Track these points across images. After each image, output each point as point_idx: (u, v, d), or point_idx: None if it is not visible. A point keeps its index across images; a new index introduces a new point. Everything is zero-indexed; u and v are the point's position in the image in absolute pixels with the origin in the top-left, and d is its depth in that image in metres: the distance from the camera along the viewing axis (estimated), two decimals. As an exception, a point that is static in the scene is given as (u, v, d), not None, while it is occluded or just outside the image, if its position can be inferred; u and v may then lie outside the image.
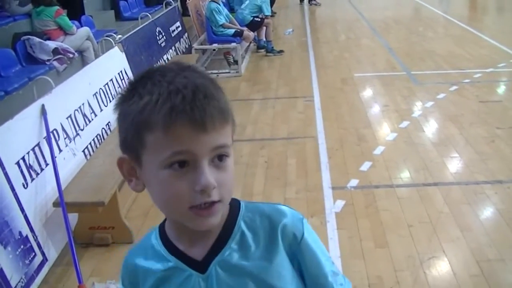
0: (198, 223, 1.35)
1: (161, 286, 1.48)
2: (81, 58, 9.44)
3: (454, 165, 6.55)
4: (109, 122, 6.68)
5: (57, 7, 9.47)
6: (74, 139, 5.80)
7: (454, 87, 9.43)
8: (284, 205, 1.56)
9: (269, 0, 13.30)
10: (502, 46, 12.47)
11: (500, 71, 10.54)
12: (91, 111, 6.40)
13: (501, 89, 9.77)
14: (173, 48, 10.99)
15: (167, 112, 1.27)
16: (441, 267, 4.62)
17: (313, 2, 21.33)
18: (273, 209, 1.53)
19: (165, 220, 1.52)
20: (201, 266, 1.44)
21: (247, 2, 12.84)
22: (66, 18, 9.59)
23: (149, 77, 1.35)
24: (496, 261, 4.64)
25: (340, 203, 5.67)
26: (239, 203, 1.51)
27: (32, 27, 9.59)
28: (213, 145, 1.31)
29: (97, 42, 9.98)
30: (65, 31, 9.47)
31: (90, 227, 5.14)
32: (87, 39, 9.73)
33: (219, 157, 1.34)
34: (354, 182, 6.13)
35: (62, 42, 9.14)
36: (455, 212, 5.42)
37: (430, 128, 7.78)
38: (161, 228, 1.52)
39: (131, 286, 1.55)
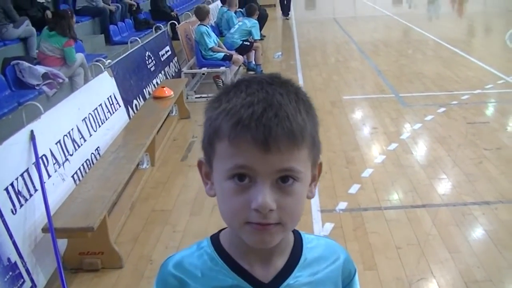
0: (252, 239, 1.34)
1: None
2: (70, 83, 9.45)
3: (442, 186, 6.59)
4: (98, 147, 6.69)
5: (68, 38, 9.54)
6: (63, 165, 5.80)
7: (442, 109, 9.50)
8: (335, 241, 1.61)
9: (258, 24, 13.37)
10: (489, 68, 12.58)
11: (487, 92, 10.62)
12: (80, 136, 6.41)
13: (489, 110, 9.84)
14: (162, 72, 11.01)
15: (234, 124, 1.27)
16: (430, 289, 4.64)
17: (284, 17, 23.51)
18: (333, 242, 1.59)
19: (217, 236, 1.51)
20: None
21: (236, 27, 12.92)
22: (73, 51, 9.64)
23: (236, 86, 1.35)
24: (484, 282, 4.66)
25: (329, 226, 5.68)
26: (298, 231, 1.52)
27: (25, 50, 9.67)
28: (277, 167, 1.28)
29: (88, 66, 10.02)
30: (65, 62, 9.52)
31: (80, 252, 5.12)
32: (80, 66, 9.78)
33: (284, 179, 1.30)
34: (342, 205, 6.14)
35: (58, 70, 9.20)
36: (443, 234, 5.44)
37: (418, 150, 7.82)
38: (216, 243, 1.49)
39: None
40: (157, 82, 10.23)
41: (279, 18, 25.17)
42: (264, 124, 1.25)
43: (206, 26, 11.60)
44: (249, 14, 13.20)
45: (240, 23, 12.99)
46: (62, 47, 9.48)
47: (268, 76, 1.38)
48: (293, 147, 1.28)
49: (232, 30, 12.92)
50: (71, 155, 6.03)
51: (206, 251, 1.48)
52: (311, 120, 1.35)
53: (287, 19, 24.37)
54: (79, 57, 9.79)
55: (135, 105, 8.69)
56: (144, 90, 9.49)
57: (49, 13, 10.98)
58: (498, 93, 10.69)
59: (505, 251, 5.08)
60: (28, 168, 5.07)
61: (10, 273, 4.40)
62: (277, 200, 1.28)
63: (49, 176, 5.42)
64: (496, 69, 12.38)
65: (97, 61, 9.54)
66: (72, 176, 5.92)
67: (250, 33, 12.77)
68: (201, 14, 11.63)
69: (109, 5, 14.44)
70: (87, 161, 6.36)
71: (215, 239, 1.50)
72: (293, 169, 1.30)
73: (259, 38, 13.58)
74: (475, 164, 7.10)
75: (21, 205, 4.80)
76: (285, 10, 24.51)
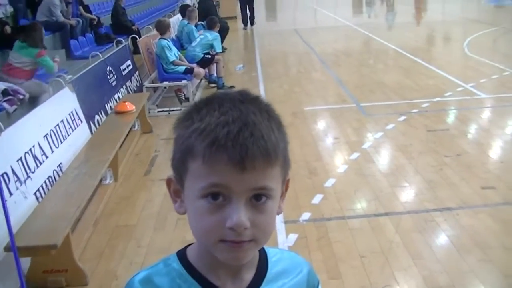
0: (227, 257, 1.34)
1: None
2: (29, 100, 9.35)
3: (404, 194, 6.66)
4: (60, 163, 6.65)
5: (39, 49, 9.50)
6: (25, 182, 5.74)
7: (403, 117, 9.60)
8: (298, 254, 1.63)
9: (219, 37, 13.40)
10: (448, 76, 12.78)
11: (447, 100, 10.78)
12: (42, 153, 6.36)
13: (448, 117, 9.97)
14: (124, 86, 10.96)
15: (209, 144, 1.26)
16: (394, 296, 4.69)
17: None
18: (296, 255, 1.61)
19: (184, 251, 1.49)
20: None
21: (198, 40, 12.92)
22: (48, 59, 9.62)
23: (207, 104, 1.34)
24: (448, 287, 4.72)
25: (293, 236, 5.70)
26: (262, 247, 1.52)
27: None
28: (252, 186, 1.29)
29: (48, 83, 9.93)
30: (33, 75, 9.47)
31: (44, 270, 5.06)
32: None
33: (258, 197, 1.31)
34: (306, 215, 6.17)
35: (24, 83, 9.17)
36: (406, 241, 5.49)
37: (380, 158, 7.90)
38: (183, 259, 1.47)
39: None
40: (118, 97, 10.19)
41: (241, 29, 25.31)
42: (240, 143, 1.25)
43: (167, 40, 11.58)
44: (210, 27, 13.21)
45: (202, 36, 13.00)
46: (35, 58, 9.43)
47: (239, 94, 1.38)
48: (267, 165, 1.29)
49: (193, 44, 12.92)
50: (33, 172, 5.98)
51: (174, 267, 1.46)
52: (283, 138, 1.36)
53: (245, 29, 25.39)
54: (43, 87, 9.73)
55: (97, 120, 8.65)
56: (106, 105, 9.45)
57: (8, 28, 10.90)
58: (457, 100, 10.84)
59: (467, 256, 5.15)
60: (-12, 187, 5.01)
61: (-28, 293, 4.36)
62: (250, 218, 1.29)
63: (11, 194, 5.36)
64: (455, 77, 12.57)
65: (58, 76, 9.47)
66: (35, 194, 5.86)
67: (211, 46, 12.79)
68: (162, 28, 11.62)
69: (70, 19, 14.35)
70: (50, 178, 6.31)
71: (182, 255, 1.48)
72: (267, 187, 1.31)
73: (221, 50, 13.60)
74: (436, 171, 7.19)
75: (-18, 224, 4.75)
76: (246, 20, 25.54)
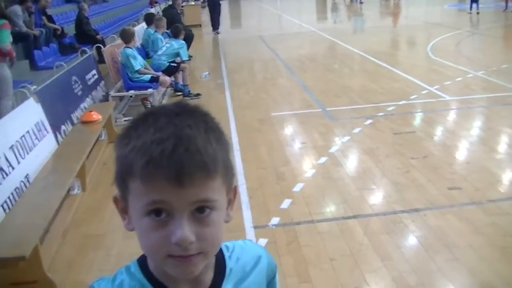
0: (176, 272, 1.33)
1: None
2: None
3: (372, 197, 6.71)
4: (27, 174, 6.59)
5: (4, 21, 9.34)
6: (-9, 194, 5.70)
7: (369, 121, 9.68)
8: (251, 241, 1.64)
9: (185, 45, 13.39)
10: (413, 79, 12.94)
11: (412, 103, 10.90)
12: (8, 165, 6.30)
13: (414, 120, 10.06)
14: (90, 96, 10.90)
15: (145, 163, 1.24)
16: (364, 298, 4.72)
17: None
18: (249, 244, 1.62)
19: (144, 259, 1.46)
20: None
21: (164, 49, 12.88)
22: (8, 33, 9.42)
23: (143, 120, 1.32)
24: (417, 287, 4.77)
25: (263, 241, 5.71)
26: None
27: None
28: (191, 200, 1.27)
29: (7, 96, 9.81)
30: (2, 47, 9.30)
31: (12, 282, 5.02)
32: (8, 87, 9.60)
33: (200, 210, 1.29)
34: (275, 220, 6.19)
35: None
36: (375, 243, 5.54)
37: (348, 162, 7.95)
38: (144, 268, 1.45)
39: None
40: (84, 107, 10.13)
41: (206, 37, 25.36)
42: (175, 160, 1.24)
43: (132, 49, 11.55)
44: (175, 35, 13.17)
45: (168, 45, 12.96)
46: None
47: (176, 106, 1.36)
48: (206, 178, 1.28)
49: (159, 52, 12.86)
50: (-1, 184, 5.94)
51: (136, 276, 1.45)
52: (222, 148, 1.34)
53: (217, 33, 26.09)
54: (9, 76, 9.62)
55: (63, 130, 8.59)
56: (72, 115, 9.39)
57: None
58: (422, 103, 10.96)
59: (435, 256, 5.21)
60: (-45, 199, 4.97)
61: None
62: (196, 232, 1.28)
63: (-22, 206, 5.32)
64: (420, 80, 12.73)
65: (22, 87, 9.40)
66: (2, 205, 5.79)
67: (177, 54, 12.77)
68: (126, 37, 11.57)
69: (33, 29, 14.23)
70: (17, 189, 6.25)
71: (142, 263, 1.47)
72: (208, 199, 1.30)
73: (187, 58, 13.59)
74: (402, 173, 7.26)
75: (-51, 237, 4.71)
76: (215, 25, 26.52)
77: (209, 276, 1.46)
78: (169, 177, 1.23)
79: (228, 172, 1.37)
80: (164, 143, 1.24)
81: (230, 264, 1.52)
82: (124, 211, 1.40)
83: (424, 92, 11.62)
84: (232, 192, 1.43)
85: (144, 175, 1.25)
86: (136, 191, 1.29)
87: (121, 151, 1.31)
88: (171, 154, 1.24)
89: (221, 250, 1.52)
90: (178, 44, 12.86)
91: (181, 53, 12.78)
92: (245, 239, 1.64)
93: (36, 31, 14.29)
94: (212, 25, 26.66)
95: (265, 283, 1.59)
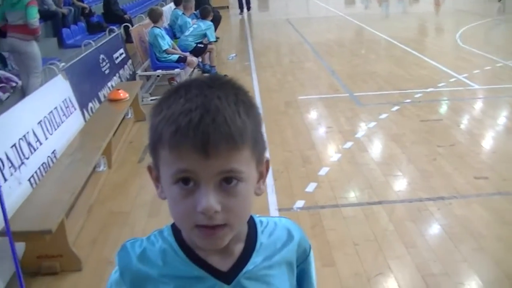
0: (203, 243, 1.37)
1: None
2: (22, 89, 9.33)
3: (398, 183, 6.68)
4: (54, 150, 6.64)
5: None
6: (19, 168, 5.73)
7: (396, 107, 9.62)
8: (288, 219, 1.64)
9: (213, 26, 13.37)
10: (441, 66, 12.80)
11: (440, 90, 10.80)
12: (36, 140, 6.36)
13: (441, 108, 9.99)
14: (117, 75, 10.94)
15: (173, 132, 1.28)
16: (388, 284, 4.70)
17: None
18: (286, 221, 1.62)
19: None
20: (226, 277, 1.46)
21: (191, 29, 12.88)
22: (36, 10, 9.49)
23: (176, 91, 1.36)
24: (441, 275, 4.75)
25: (287, 224, 5.70)
26: (252, 217, 1.53)
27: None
28: (217, 170, 1.29)
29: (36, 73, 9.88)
30: (28, 23, 9.36)
31: (38, 255, 5.07)
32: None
33: (227, 180, 1.32)
34: (300, 203, 6.19)
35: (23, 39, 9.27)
36: (399, 230, 5.52)
37: (373, 148, 7.91)
38: (176, 233, 1.49)
39: (132, 282, 1.50)
40: (112, 85, 10.17)
41: (233, 18, 25.36)
42: (202, 131, 1.26)
43: (160, 28, 11.56)
44: (203, 16, 13.17)
45: (195, 26, 12.96)
46: (25, 7, 9.29)
47: (209, 79, 1.40)
48: (232, 150, 1.29)
49: (186, 33, 12.86)
50: (27, 158, 5.98)
51: (168, 240, 1.49)
52: (252, 121, 1.36)
53: (241, 14, 26.77)
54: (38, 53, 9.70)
55: (91, 108, 8.64)
56: (99, 93, 9.43)
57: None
58: (450, 91, 10.86)
59: (460, 245, 5.18)
60: (-17, 173, 5.02)
61: (-33, 278, 4.35)
62: (221, 202, 1.30)
63: (5, 179, 5.36)
64: (448, 67, 12.61)
65: (51, 64, 9.45)
66: (29, 180, 5.86)
67: (205, 35, 12.76)
68: (155, 16, 11.59)
69: (61, 8, 14.30)
70: (44, 165, 6.30)
71: (175, 229, 1.50)
72: (234, 170, 1.31)
73: (214, 40, 13.58)
74: (429, 161, 7.22)
75: (-23, 210, 4.74)
76: (242, 6, 27.02)
77: (239, 248, 1.49)
78: (195, 147, 1.26)
79: (258, 145, 1.39)
80: (192, 114, 1.28)
81: (261, 238, 1.53)
82: (157, 179, 1.43)
83: (452, 80, 11.52)
84: (263, 165, 1.45)
85: (171, 144, 1.29)
86: (166, 159, 1.33)
87: (153, 120, 1.36)
88: (198, 125, 1.26)
89: (254, 224, 1.54)
90: (205, 25, 12.85)
91: (208, 34, 12.78)
92: (281, 217, 1.65)
93: (64, 10, 14.37)
94: (239, 5, 27.19)
95: (295, 262, 1.59)
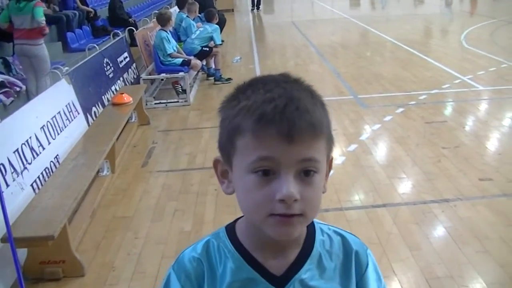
0: (276, 231, 1.36)
1: None
2: (26, 93, 9.33)
3: (402, 186, 6.66)
4: (57, 155, 6.64)
5: (36, 0, 9.48)
6: (21, 173, 5.73)
7: (401, 109, 9.60)
8: (348, 232, 1.62)
9: (219, 30, 13.35)
10: (446, 68, 12.79)
11: (444, 92, 10.78)
12: (39, 145, 6.35)
13: (446, 109, 9.96)
14: (121, 78, 10.96)
15: (257, 118, 1.30)
16: (392, 287, 4.67)
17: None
18: (347, 234, 1.60)
19: (232, 226, 1.54)
20: (279, 282, 1.46)
21: (197, 33, 12.84)
22: (41, 9, 9.58)
23: (252, 85, 1.40)
24: (445, 278, 4.72)
25: (291, 227, 5.68)
26: (313, 223, 1.53)
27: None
28: (300, 157, 1.32)
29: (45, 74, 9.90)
30: (37, 23, 9.45)
31: (41, 261, 5.06)
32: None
33: (306, 172, 1.34)
34: (304, 206, 6.14)
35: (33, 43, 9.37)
36: (404, 232, 5.49)
37: (378, 150, 7.89)
38: (231, 235, 1.52)
39: (194, 286, 1.51)
40: (116, 89, 10.18)
41: (238, 21, 25.35)
42: (287, 117, 1.29)
43: (167, 32, 11.56)
44: (208, 19, 13.13)
45: (201, 29, 12.92)
46: (32, 8, 9.37)
47: (281, 75, 1.44)
48: (314, 137, 1.33)
49: (193, 36, 12.80)
50: (29, 163, 5.97)
51: (224, 241, 1.51)
52: (326, 115, 1.41)
53: (253, 11, 29.47)
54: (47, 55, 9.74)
55: (94, 112, 8.64)
56: (103, 97, 9.44)
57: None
58: (455, 92, 10.84)
59: (464, 247, 5.15)
60: (-15, 178, 5.01)
61: (-31, 284, 4.34)
62: (300, 191, 1.32)
63: (8, 185, 5.35)
64: (453, 69, 12.59)
65: (54, 68, 9.45)
66: (31, 185, 5.85)
67: (211, 38, 12.74)
68: (163, 20, 11.59)
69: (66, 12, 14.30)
70: (47, 169, 6.30)
71: (230, 230, 1.53)
72: (314, 158, 1.34)
73: (220, 43, 13.56)
74: (433, 163, 7.19)
75: (-21, 216, 4.73)
76: (254, 3, 29.90)
77: (295, 253, 1.49)
78: (280, 132, 1.29)
79: (330, 139, 1.43)
80: (276, 101, 1.31)
81: (318, 246, 1.52)
82: (223, 174, 1.47)
83: (457, 81, 11.50)
84: (329, 162, 1.48)
85: (256, 130, 1.31)
86: (245, 148, 1.34)
87: (229, 112, 1.38)
88: (283, 111, 1.30)
89: (314, 231, 1.53)
90: (211, 28, 12.81)
91: (214, 37, 12.76)
92: (342, 229, 1.62)
93: (69, 13, 14.35)
94: (252, 2, 30.18)
95: (353, 274, 1.56)
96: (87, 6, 16.29)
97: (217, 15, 13.59)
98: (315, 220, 1.53)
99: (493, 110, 9.72)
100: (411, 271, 4.87)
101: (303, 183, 1.33)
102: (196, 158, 7.88)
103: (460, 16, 24.03)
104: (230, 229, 1.52)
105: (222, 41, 16.19)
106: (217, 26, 13.14)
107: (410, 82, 11.66)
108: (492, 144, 8.03)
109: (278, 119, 1.29)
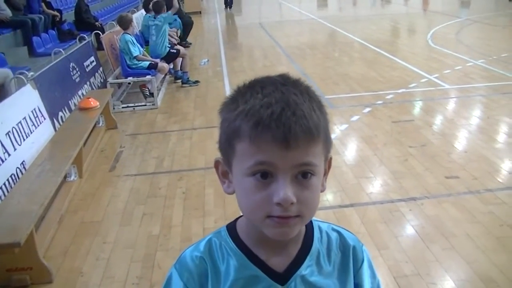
0: (274, 232, 1.39)
1: None
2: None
3: (370, 185, 6.69)
4: (23, 161, 6.57)
5: None
6: (-13, 181, 5.68)
7: (368, 109, 9.66)
8: (345, 229, 1.66)
9: (170, 16, 12.96)
10: (412, 67, 12.91)
11: (411, 91, 10.87)
12: (4, 151, 6.29)
13: (413, 108, 10.03)
14: (88, 83, 10.89)
15: (254, 124, 1.31)
16: (360, 286, 4.69)
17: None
18: (343, 231, 1.64)
19: (233, 225, 1.56)
20: (281, 278, 1.49)
21: (153, 32, 12.51)
22: None
23: (251, 87, 1.40)
24: (413, 276, 4.75)
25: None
26: (311, 220, 1.55)
27: None
28: (296, 162, 1.33)
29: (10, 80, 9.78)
30: None
31: (7, 269, 5.01)
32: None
33: (303, 174, 1.36)
34: (272, 207, 6.15)
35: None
36: (371, 232, 5.53)
37: (345, 150, 7.91)
38: (233, 233, 1.54)
39: (196, 284, 1.52)
40: (82, 93, 10.12)
41: (205, 24, 25.33)
42: (283, 123, 1.30)
43: (131, 35, 11.49)
44: (157, 12, 12.69)
45: (153, 26, 12.49)
46: None
47: (280, 77, 1.44)
48: (310, 142, 1.34)
49: (153, 38, 12.59)
50: (-5, 170, 5.92)
51: (226, 240, 1.53)
52: (324, 117, 1.41)
53: (226, 10, 30.79)
54: (5, 73, 9.56)
55: (61, 117, 8.58)
56: (70, 101, 9.37)
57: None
58: (421, 91, 10.94)
59: (432, 245, 5.20)
60: (-51, 185, 4.95)
61: None
62: (296, 194, 1.33)
63: (-27, 192, 5.30)
64: (419, 68, 12.71)
65: (20, 73, 9.36)
66: (-3, 192, 5.80)
67: (170, 26, 12.37)
68: (124, 23, 11.49)
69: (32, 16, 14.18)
70: (13, 176, 6.23)
71: (231, 229, 1.55)
72: (310, 163, 1.35)
73: (182, 28, 13.22)
74: (400, 162, 7.24)
75: None
76: (227, 3, 31.65)
77: (295, 249, 1.52)
78: (276, 138, 1.30)
79: (328, 140, 1.43)
80: (273, 107, 1.32)
81: (317, 242, 1.55)
82: (224, 175, 1.50)
83: (423, 80, 11.60)
84: (327, 162, 1.49)
85: (253, 136, 1.32)
86: (243, 152, 1.36)
87: (228, 115, 1.39)
88: (279, 117, 1.31)
89: (312, 228, 1.57)
90: (161, 19, 12.47)
91: (172, 25, 12.34)
92: (339, 226, 1.66)
93: (35, 17, 14.23)
94: (225, 2, 31.99)
95: (350, 269, 1.60)
96: (53, 9, 16.18)
97: (165, 6, 12.99)
98: (313, 219, 1.55)
99: (459, 109, 9.81)
100: (379, 270, 4.86)
101: (300, 185, 1.35)
102: (164, 162, 7.85)
103: (426, 16, 24.18)
104: (231, 228, 1.56)
105: (189, 43, 16.16)
106: (166, 14, 12.65)
107: (377, 82, 11.73)
108: (459, 142, 8.09)
109: (274, 126, 1.30)
